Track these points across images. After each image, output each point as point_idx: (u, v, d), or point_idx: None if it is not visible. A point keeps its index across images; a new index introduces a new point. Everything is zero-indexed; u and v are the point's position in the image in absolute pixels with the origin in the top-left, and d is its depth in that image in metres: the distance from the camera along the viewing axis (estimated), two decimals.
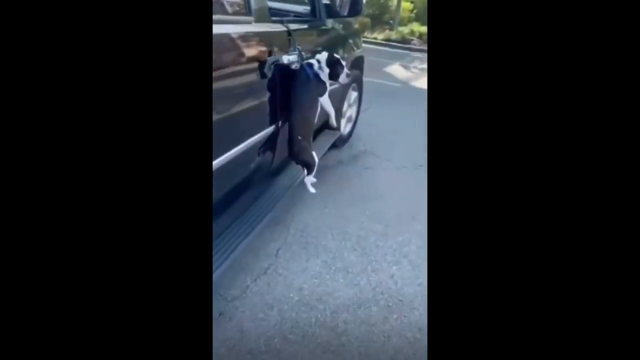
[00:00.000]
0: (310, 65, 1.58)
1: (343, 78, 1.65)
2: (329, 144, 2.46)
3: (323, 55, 1.62)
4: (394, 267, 1.66)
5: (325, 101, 1.70)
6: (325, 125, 2.37)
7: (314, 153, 1.71)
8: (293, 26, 1.61)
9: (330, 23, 2.18)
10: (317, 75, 1.60)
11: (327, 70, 1.62)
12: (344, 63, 1.65)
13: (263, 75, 1.36)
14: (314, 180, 1.94)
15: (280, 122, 1.56)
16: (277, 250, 1.70)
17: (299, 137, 1.62)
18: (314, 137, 2.44)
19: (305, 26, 2.01)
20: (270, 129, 1.51)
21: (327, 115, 1.87)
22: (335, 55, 1.64)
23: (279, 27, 1.51)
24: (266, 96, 1.42)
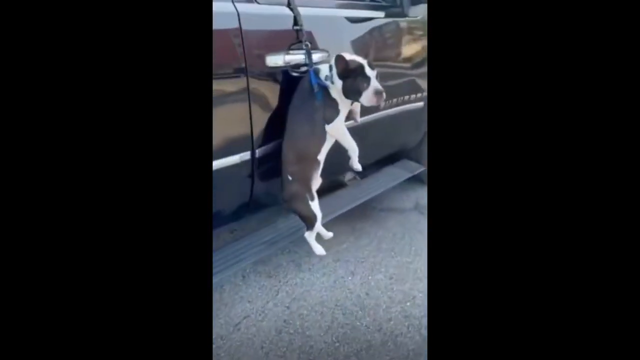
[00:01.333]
0: (318, 72, 1.02)
1: (368, 98, 1.00)
2: (402, 178, 1.77)
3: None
4: None
5: (336, 130, 1.08)
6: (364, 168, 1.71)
7: (313, 204, 1.14)
8: (308, 11, 1.06)
9: (421, 13, 1.48)
10: (325, 90, 1.02)
11: (339, 82, 1.01)
12: (371, 73, 0.99)
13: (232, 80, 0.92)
14: (329, 235, 1.36)
15: (262, 148, 1.07)
16: (243, 319, 1.25)
17: (289, 178, 1.10)
18: (380, 164, 1.81)
19: (381, 15, 1.41)
20: (236, 157, 1.03)
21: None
22: (358, 58, 1.00)
23: (272, 10, 1.00)
24: (235, 110, 0.97)
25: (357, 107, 1.13)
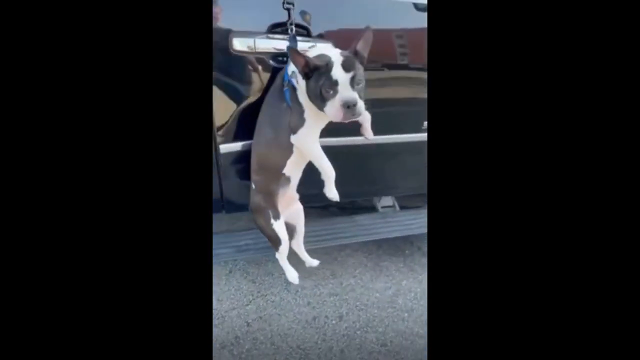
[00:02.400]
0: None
1: (333, 111, 0.70)
2: None
3: (316, 50, 0.74)
4: None
5: (301, 144, 0.81)
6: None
7: (277, 224, 0.92)
8: None
9: None
10: (294, 90, 0.78)
11: (303, 83, 0.74)
12: (342, 76, 0.68)
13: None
14: (313, 263, 1.13)
15: (229, 144, 0.91)
16: None
17: (253, 186, 0.92)
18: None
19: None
20: None
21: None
22: (331, 53, 0.69)
23: None
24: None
25: (365, 118, 0.85)
